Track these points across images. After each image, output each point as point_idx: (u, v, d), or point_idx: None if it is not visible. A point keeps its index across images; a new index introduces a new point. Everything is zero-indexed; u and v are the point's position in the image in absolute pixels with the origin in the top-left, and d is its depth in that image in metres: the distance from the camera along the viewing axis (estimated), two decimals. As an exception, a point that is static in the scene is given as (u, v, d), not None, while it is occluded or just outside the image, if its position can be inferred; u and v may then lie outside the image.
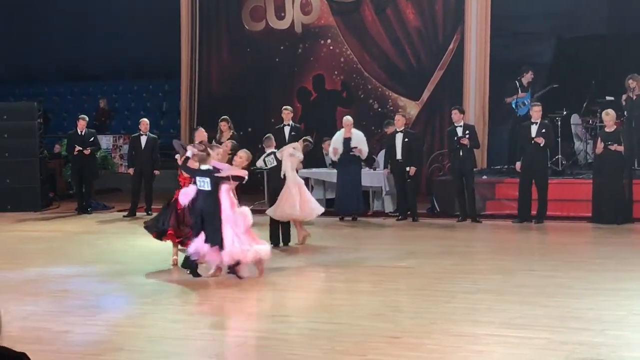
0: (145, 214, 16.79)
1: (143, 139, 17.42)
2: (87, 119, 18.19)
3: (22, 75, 25.55)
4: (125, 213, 17.30)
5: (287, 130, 16.60)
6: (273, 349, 7.56)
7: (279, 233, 13.22)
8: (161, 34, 22.19)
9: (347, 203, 16.21)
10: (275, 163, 13.23)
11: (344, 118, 16.67)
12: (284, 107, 17.02)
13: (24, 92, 24.41)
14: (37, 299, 9.35)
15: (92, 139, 17.91)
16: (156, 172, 17.39)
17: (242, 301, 9.67)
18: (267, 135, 13.83)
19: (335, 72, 20.00)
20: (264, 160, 13.39)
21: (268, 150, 13.33)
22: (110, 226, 16.29)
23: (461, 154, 15.69)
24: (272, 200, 13.31)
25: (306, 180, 17.44)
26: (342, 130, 16.41)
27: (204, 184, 10.55)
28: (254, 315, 8.88)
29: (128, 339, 8.10)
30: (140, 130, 17.57)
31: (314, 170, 17.44)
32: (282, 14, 20.21)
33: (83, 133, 17.82)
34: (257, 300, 9.55)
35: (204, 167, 10.65)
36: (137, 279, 11.01)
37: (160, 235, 11.52)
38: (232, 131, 16.47)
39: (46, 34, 24.91)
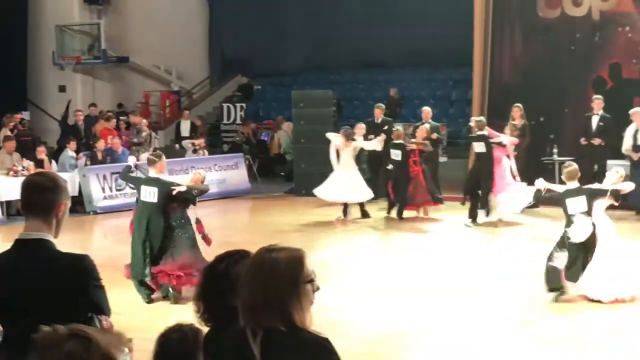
0: None
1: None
2: (383, 107, 18.51)
3: (318, 66, 26.49)
4: None
5: (594, 120, 16.31)
6: None
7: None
8: (451, 22, 22.16)
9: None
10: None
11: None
12: (595, 96, 16.73)
13: (320, 79, 25.27)
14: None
15: (385, 127, 18.18)
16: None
17: None
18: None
19: (634, 61, 19.07)
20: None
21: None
22: None
23: None
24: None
25: None
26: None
27: None
28: None
29: None
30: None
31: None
32: (580, 1, 19.50)
33: (379, 121, 18.15)
34: None
35: None
36: None
37: None
38: (524, 120, 16.19)
39: (340, 24, 25.68)
